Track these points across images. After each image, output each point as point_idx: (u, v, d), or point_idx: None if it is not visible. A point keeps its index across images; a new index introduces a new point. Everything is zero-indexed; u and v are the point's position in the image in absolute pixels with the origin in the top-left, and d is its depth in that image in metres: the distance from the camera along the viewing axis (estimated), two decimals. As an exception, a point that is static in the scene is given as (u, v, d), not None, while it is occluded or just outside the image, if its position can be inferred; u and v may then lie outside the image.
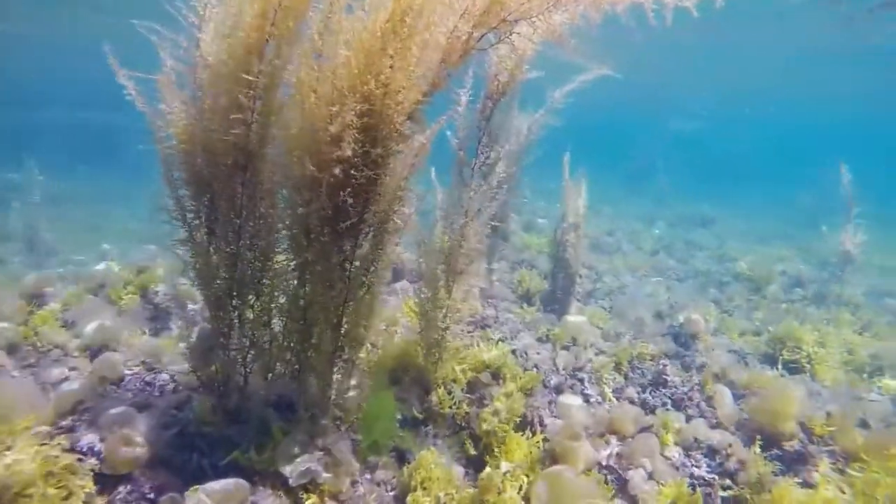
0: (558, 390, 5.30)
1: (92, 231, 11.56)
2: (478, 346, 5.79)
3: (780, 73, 27.50)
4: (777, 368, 6.87)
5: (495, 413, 4.70)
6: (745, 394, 5.60)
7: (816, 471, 4.53)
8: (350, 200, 3.16)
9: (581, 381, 5.38)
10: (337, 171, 3.09)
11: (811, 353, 6.89)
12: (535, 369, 5.56)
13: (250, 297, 3.79)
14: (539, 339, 6.54)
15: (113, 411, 3.30)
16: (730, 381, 5.86)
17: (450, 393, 5.09)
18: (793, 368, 6.87)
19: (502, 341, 6.37)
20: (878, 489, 3.92)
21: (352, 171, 3.13)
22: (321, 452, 3.71)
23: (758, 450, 4.58)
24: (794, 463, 4.63)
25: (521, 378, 5.28)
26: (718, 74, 29.58)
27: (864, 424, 5.36)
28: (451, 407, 4.92)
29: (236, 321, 3.80)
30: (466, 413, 4.89)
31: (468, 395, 5.21)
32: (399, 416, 4.87)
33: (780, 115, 40.89)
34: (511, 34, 3.76)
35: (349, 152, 3.02)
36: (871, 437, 4.69)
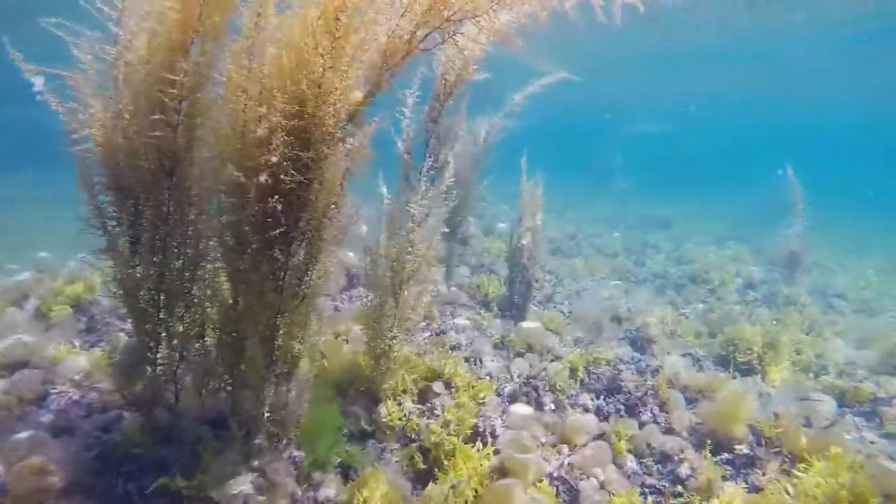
0: (512, 399, 5.20)
1: (31, 238, 10.94)
2: (431, 354, 5.65)
3: (730, 75, 28.41)
4: (730, 371, 6.95)
5: (445, 424, 4.56)
6: (699, 398, 5.62)
7: (764, 474, 4.55)
8: (280, 207, 2.98)
9: (536, 389, 5.29)
10: (265, 176, 2.90)
11: (761, 355, 7.00)
12: (489, 378, 5.45)
13: (179, 309, 3.56)
14: (495, 346, 6.44)
15: (18, 436, 3.02)
16: (683, 386, 5.87)
17: (399, 404, 4.93)
18: (745, 370, 6.96)
19: (457, 349, 6.25)
20: (818, 489, 3.95)
21: (281, 176, 2.95)
22: (255, 474, 3.50)
23: (708, 454, 4.58)
24: (743, 466, 4.65)
25: (474, 387, 5.17)
26: (675, 78, 30.37)
27: (808, 424, 5.44)
28: (400, 419, 4.77)
29: (164, 335, 3.57)
30: (417, 425, 4.75)
31: (419, 406, 5.06)
32: (346, 430, 4.70)
33: (737, 116, 42.29)
34: (455, 34, 3.65)
35: (275, 157, 2.84)
36: (813, 437, 4.74)
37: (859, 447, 5.01)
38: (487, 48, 4.30)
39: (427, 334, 6.65)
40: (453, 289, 8.65)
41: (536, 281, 7.42)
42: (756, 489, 4.41)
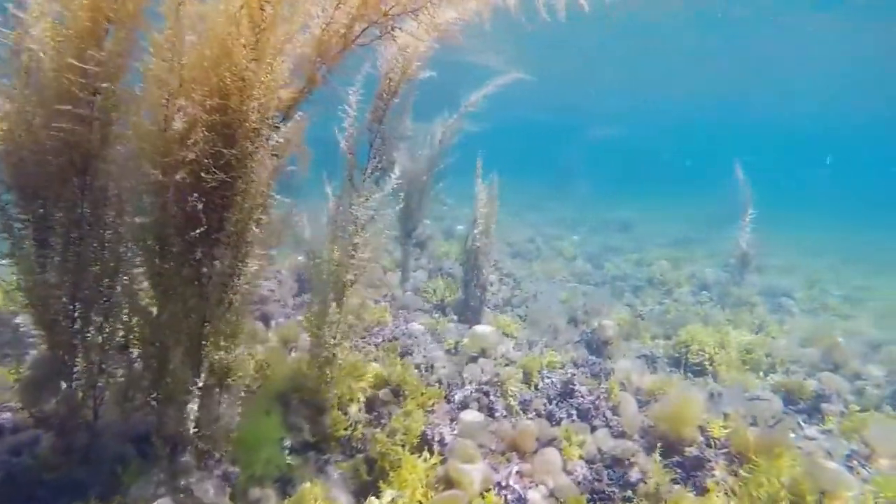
0: (463, 406, 5.07)
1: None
2: (383, 360, 5.48)
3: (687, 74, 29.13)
4: (683, 371, 7.01)
5: (391, 433, 4.40)
6: (650, 400, 5.61)
7: (713, 475, 4.55)
8: (201, 207, 2.77)
9: (487, 395, 5.18)
10: (183, 173, 2.70)
11: (713, 355, 7.08)
12: (439, 384, 5.31)
13: (97, 318, 3.30)
14: (448, 352, 6.31)
15: None
16: (636, 388, 5.87)
17: (346, 413, 4.75)
18: (697, 371, 7.03)
19: (409, 355, 6.10)
20: (761, 489, 3.95)
21: (202, 174, 2.74)
22: (182, 494, 3.27)
23: (658, 458, 4.55)
24: (693, 468, 4.63)
25: (423, 394, 5.02)
26: (634, 80, 31.00)
27: (756, 423, 5.49)
28: (346, 429, 4.58)
29: (80, 346, 3.30)
30: (363, 435, 4.58)
31: (367, 415, 4.89)
32: (288, 442, 4.49)
33: (694, 115, 43.45)
34: (395, 29, 3.51)
35: (194, 154, 2.64)
36: (759, 437, 4.77)
37: (801, 445, 5.09)
38: (434, 45, 4.20)
39: (379, 340, 6.47)
40: (409, 293, 8.50)
41: (491, 284, 7.33)
42: (704, 491, 4.40)
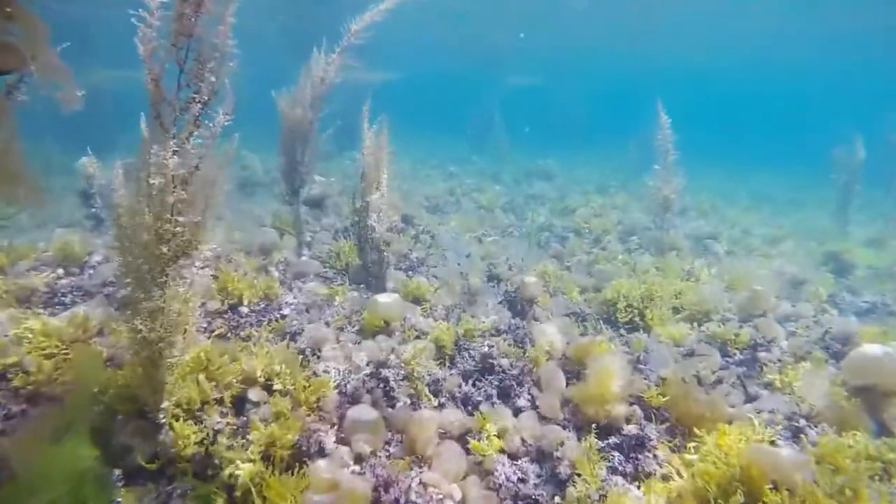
0: (354, 398, 4.06)
1: None
2: (253, 348, 4.34)
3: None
4: (616, 330, 6.37)
5: (254, 446, 3.34)
6: (580, 370, 4.84)
7: (655, 456, 3.85)
8: None
9: (386, 381, 4.19)
10: None
11: (641, 310, 6.46)
12: (325, 373, 4.25)
13: None
14: (341, 329, 5.25)
15: None
16: (563, 357, 5.08)
17: (200, 423, 3.62)
18: (630, 328, 6.41)
19: (298, 335, 4.99)
20: (710, 479, 3.26)
21: None
22: None
23: (592, 443, 3.78)
24: (633, 450, 3.91)
25: (305, 388, 3.96)
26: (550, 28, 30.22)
27: (699, 382, 4.89)
28: (199, 444, 3.47)
29: None
30: (224, 448, 3.49)
31: (231, 422, 3.78)
32: (118, 471, 3.34)
33: (608, 63, 43.53)
34: None
35: None
36: (703, 405, 4.12)
37: (745, 409, 4.52)
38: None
39: (264, 319, 5.30)
40: (305, 258, 7.29)
41: (387, 244, 6.26)
42: (647, 476, 3.69)
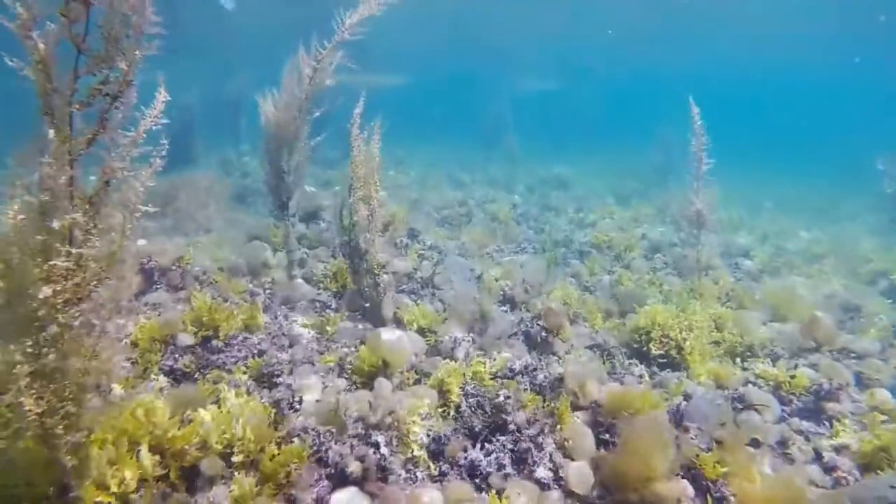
0: (338, 471, 3.27)
1: None
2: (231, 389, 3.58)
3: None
4: (646, 366, 5.53)
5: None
6: (612, 424, 4.01)
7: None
8: None
9: (376, 446, 3.40)
10: None
11: (680, 342, 5.61)
12: (302, 435, 3.47)
13: None
14: (329, 370, 4.47)
15: None
16: (593, 403, 4.26)
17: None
18: (664, 363, 5.57)
19: (276, 377, 4.22)
20: None
21: None
22: None
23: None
24: (683, 541, 3.08)
25: (273, 457, 3.19)
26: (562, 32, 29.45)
27: (756, 445, 4.05)
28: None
29: None
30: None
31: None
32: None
33: (625, 69, 42.64)
34: None
35: None
36: (769, 485, 3.28)
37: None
38: None
39: (241, 355, 4.55)
40: (298, 280, 6.53)
41: (382, 267, 5.48)
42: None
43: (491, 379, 4.63)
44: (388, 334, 4.55)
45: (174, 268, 6.17)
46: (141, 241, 6.31)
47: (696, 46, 33.71)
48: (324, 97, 5.84)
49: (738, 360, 5.79)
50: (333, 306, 6.25)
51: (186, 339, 4.67)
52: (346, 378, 4.37)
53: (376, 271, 5.51)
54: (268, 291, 6.06)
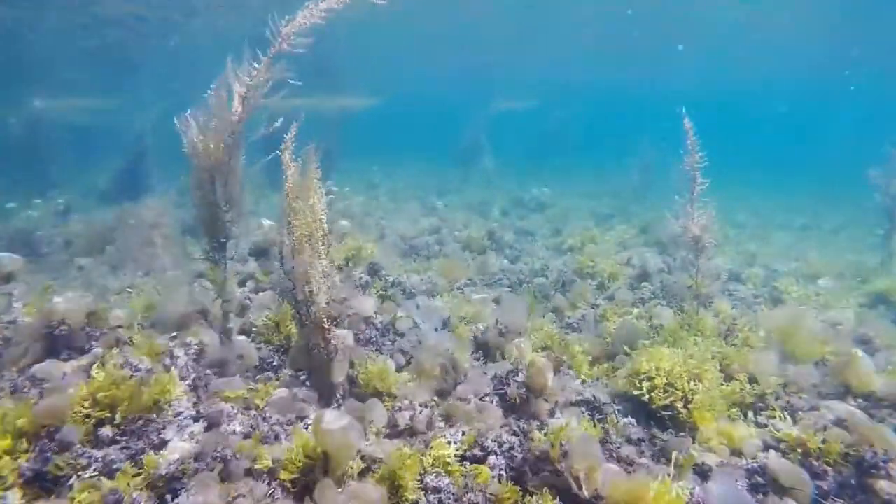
0: None
1: None
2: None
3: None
4: (647, 422, 4.66)
5: None
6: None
7: None
8: None
9: None
10: None
11: (687, 393, 4.75)
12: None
13: None
14: (252, 465, 3.47)
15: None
16: (594, 496, 3.34)
17: None
18: (666, 418, 4.69)
19: (174, 495, 3.22)
20: None
21: None
22: None
23: None
24: None
25: None
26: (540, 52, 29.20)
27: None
28: None
29: None
30: None
31: None
32: None
33: (599, 88, 42.77)
34: None
35: None
36: None
37: None
38: None
39: (128, 454, 3.54)
40: (239, 337, 5.53)
41: (333, 320, 4.52)
42: None
43: (458, 463, 3.70)
44: (333, 421, 3.57)
45: (83, 329, 5.15)
46: (56, 300, 5.27)
47: (669, 62, 33.87)
48: (262, 119, 4.94)
49: (749, 413, 4.95)
50: (276, 363, 5.28)
51: (70, 431, 3.64)
52: (267, 485, 3.37)
53: (325, 326, 4.54)
54: (192, 352, 5.04)
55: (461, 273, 8.62)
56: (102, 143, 19.42)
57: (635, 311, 7.55)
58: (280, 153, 4.34)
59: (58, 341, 4.94)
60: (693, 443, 4.40)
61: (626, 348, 6.01)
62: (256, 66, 4.96)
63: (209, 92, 5.07)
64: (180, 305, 6.04)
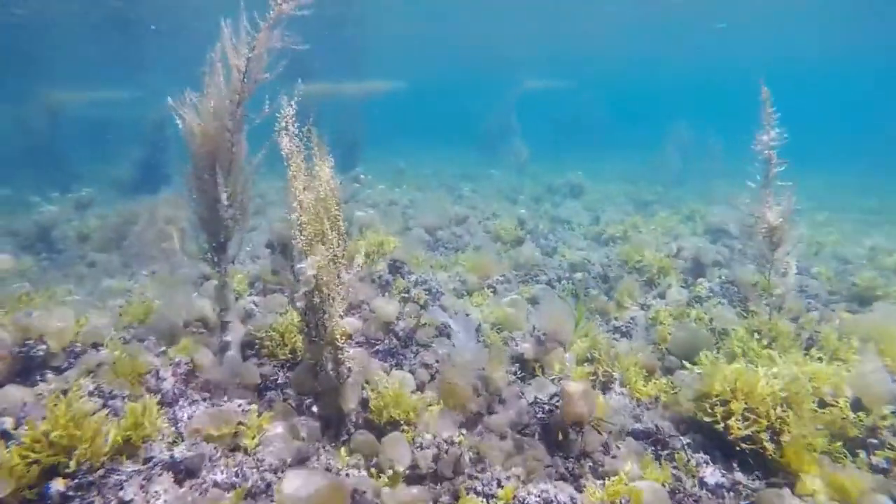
0: None
1: None
2: None
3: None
4: (725, 464, 3.74)
5: None
6: None
7: None
8: None
9: None
10: None
11: (775, 424, 3.81)
12: None
13: None
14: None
15: None
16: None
17: None
18: (749, 454, 3.78)
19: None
20: None
21: None
22: None
23: None
24: None
25: None
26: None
27: None
28: None
29: None
30: None
31: None
32: None
33: (632, 69, 40.90)
34: None
35: None
36: None
37: None
38: None
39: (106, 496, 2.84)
40: (231, 353, 4.80)
41: (347, 337, 3.72)
42: None
43: (491, 529, 2.89)
44: (302, 487, 2.78)
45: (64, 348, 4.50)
46: (35, 313, 4.63)
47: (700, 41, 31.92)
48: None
49: (859, 452, 3.99)
50: (280, 381, 4.55)
51: (17, 478, 2.96)
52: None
53: (338, 343, 3.75)
54: (182, 371, 4.34)
55: (493, 268, 7.74)
56: (125, 134, 19.11)
57: (693, 311, 6.57)
58: (276, 135, 3.53)
59: (33, 360, 4.31)
60: (792, 493, 3.48)
61: (684, 362, 5.09)
62: (255, 34, 4.15)
63: (205, 67, 4.31)
64: (179, 312, 5.37)
